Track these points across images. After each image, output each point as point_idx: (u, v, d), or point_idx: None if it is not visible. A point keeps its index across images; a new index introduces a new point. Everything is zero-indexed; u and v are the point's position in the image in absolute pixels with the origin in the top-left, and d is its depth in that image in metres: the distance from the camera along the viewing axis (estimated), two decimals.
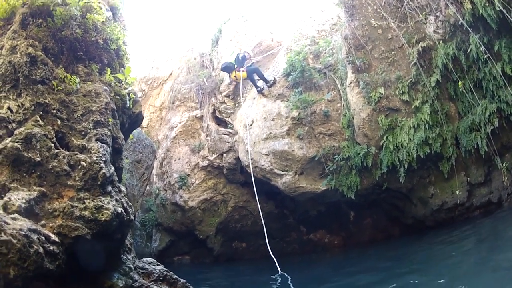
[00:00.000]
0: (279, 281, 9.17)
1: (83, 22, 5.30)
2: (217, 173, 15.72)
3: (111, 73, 5.50)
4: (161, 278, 6.70)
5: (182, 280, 6.89)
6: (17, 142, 4.02)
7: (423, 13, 10.45)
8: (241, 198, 15.54)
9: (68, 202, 3.97)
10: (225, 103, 16.00)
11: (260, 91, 14.24)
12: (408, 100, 11.28)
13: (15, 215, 3.48)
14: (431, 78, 10.79)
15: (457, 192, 11.06)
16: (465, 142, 10.46)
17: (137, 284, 5.36)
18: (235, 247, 15.95)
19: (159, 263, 7.18)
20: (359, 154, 12.21)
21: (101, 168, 4.32)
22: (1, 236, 3.06)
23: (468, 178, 11.12)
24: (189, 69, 17.30)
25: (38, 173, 4.09)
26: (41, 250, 3.32)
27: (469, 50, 9.33)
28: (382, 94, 11.56)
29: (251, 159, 13.75)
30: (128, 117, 6.02)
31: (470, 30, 8.89)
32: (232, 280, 12.23)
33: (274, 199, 15.20)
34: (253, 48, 16.05)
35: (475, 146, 10.15)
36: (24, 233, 3.22)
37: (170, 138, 16.33)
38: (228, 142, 15.40)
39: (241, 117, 14.93)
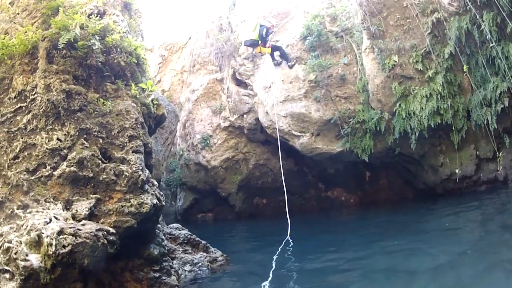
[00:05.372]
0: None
1: (103, 43, 5.90)
2: (238, 133, 16.25)
3: (135, 83, 6.31)
4: (185, 241, 8.10)
5: (203, 242, 8.18)
6: (72, 166, 5.23)
7: None
8: (262, 156, 16.17)
9: (118, 203, 5.33)
10: (245, 65, 16.16)
11: (277, 64, 14.33)
12: (421, 69, 11.45)
13: (83, 221, 4.86)
14: (444, 49, 10.88)
15: (458, 169, 11.40)
16: (475, 116, 10.67)
17: (167, 248, 6.76)
18: (256, 204, 16.78)
19: (183, 228, 8.60)
20: (373, 118, 12.59)
21: (139, 175, 5.59)
22: (77, 240, 4.47)
23: (477, 152, 11.43)
24: (207, 32, 17.35)
25: (92, 184, 5.34)
26: (105, 242, 4.73)
27: (482, 27, 9.38)
28: (396, 61, 11.73)
29: (270, 120, 14.26)
30: (153, 119, 7.08)
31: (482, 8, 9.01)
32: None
33: (294, 157, 15.72)
34: (270, 11, 15.97)
35: (485, 122, 10.32)
36: (94, 233, 4.63)
37: (192, 100, 16.77)
38: (248, 103, 15.79)
39: (260, 79, 15.21)
